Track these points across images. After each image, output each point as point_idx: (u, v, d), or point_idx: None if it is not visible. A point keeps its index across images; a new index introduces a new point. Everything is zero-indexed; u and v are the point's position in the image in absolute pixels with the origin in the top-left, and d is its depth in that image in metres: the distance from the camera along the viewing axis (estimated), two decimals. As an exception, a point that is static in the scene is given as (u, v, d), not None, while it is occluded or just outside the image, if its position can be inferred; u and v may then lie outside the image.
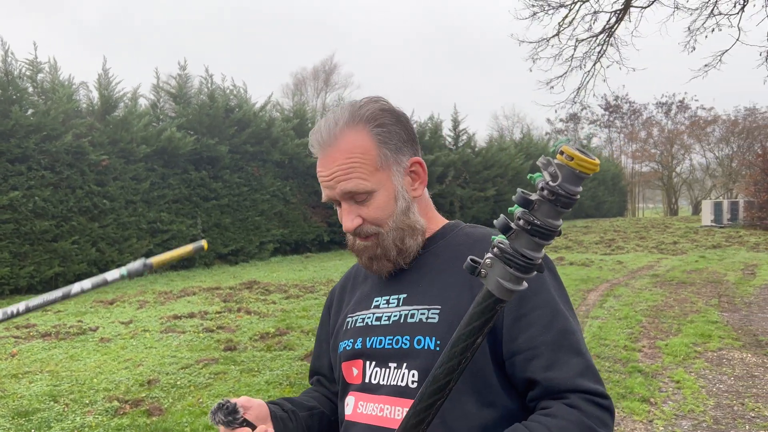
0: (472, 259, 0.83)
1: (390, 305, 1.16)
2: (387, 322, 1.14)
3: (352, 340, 1.18)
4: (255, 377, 5.15)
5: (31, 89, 10.55)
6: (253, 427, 1.06)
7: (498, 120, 44.89)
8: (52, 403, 4.58)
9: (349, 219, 1.13)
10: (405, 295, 1.15)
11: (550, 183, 0.74)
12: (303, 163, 15.41)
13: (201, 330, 6.85)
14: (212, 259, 13.31)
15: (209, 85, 13.66)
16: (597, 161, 0.74)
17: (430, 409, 0.86)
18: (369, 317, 1.17)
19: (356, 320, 1.20)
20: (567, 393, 1.00)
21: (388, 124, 1.13)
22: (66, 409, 4.45)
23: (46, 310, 8.46)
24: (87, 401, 4.60)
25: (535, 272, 0.80)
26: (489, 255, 0.81)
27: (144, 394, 4.73)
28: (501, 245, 0.79)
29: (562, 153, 0.74)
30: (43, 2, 53.71)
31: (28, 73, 10.55)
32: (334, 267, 12.68)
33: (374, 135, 1.12)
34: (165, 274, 12.03)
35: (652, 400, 4.45)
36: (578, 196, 0.75)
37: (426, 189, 1.20)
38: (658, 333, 6.54)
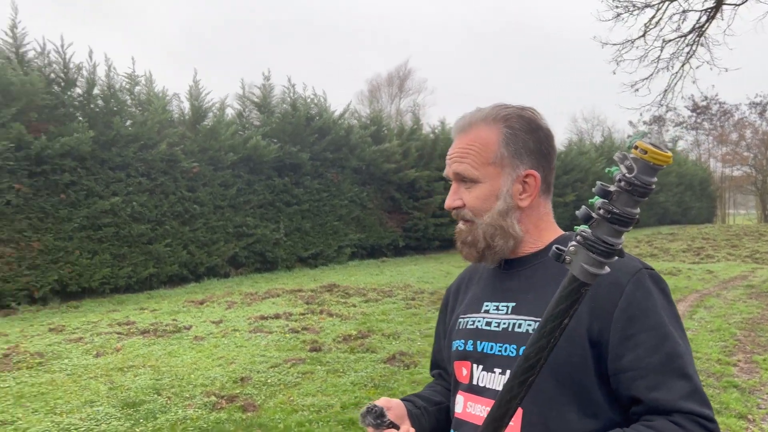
0: (557, 248, 0.90)
1: (499, 312, 1.22)
2: (497, 329, 1.20)
3: (463, 341, 1.26)
4: (340, 378, 5.31)
5: (129, 101, 11.30)
6: (397, 427, 1.17)
7: (577, 123, 43.70)
8: (155, 395, 4.91)
9: (451, 198, 1.23)
10: (513, 304, 1.21)
11: (627, 175, 0.81)
12: (380, 169, 15.63)
13: (287, 331, 7.12)
14: (293, 262, 13.73)
15: (291, 94, 14.14)
16: (669, 154, 0.81)
17: (522, 385, 0.93)
18: (479, 321, 1.24)
19: (467, 322, 1.27)
20: (672, 413, 1.03)
21: (517, 129, 1.20)
22: (168, 402, 4.77)
23: (143, 308, 9.05)
24: (187, 395, 4.91)
25: (616, 257, 0.85)
26: (573, 243, 0.87)
27: (238, 391, 4.99)
28: (584, 234, 0.86)
29: (636, 147, 0.81)
30: (125, 15, 57.00)
31: (126, 86, 11.31)
32: (410, 272, 12.78)
33: (501, 134, 1.19)
34: (249, 276, 12.54)
35: (750, 416, 4.26)
36: (654, 186, 0.82)
37: (547, 202, 1.25)
38: (755, 347, 6.22)
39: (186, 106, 12.37)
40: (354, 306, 8.80)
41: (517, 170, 1.19)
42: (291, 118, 13.68)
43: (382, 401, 1.22)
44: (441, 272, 12.50)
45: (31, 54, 10.16)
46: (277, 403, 4.69)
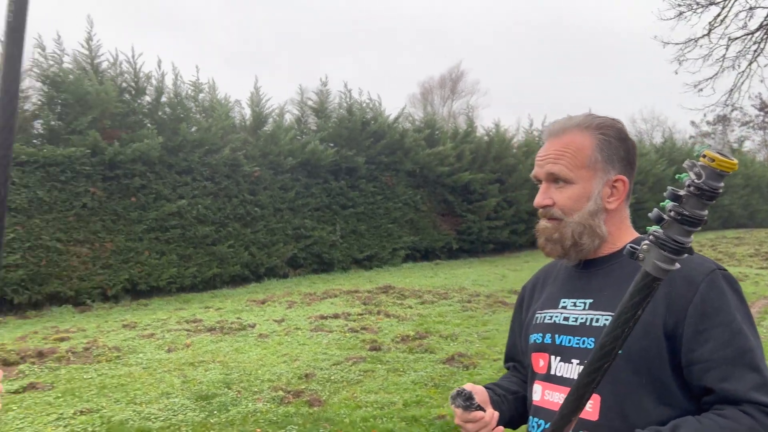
0: (631, 246, 0.99)
1: (576, 308, 1.32)
2: (574, 323, 1.30)
3: (541, 335, 1.36)
4: (401, 377, 5.44)
5: (194, 108, 11.80)
6: (483, 410, 1.29)
7: (636, 123, 42.47)
8: (226, 389, 5.17)
9: (542, 196, 1.32)
10: (591, 301, 1.31)
11: (696, 181, 0.90)
12: (433, 172, 15.71)
13: (346, 330, 7.31)
14: (349, 264, 13.98)
15: (347, 99, 14.41)
16: (735, 161, 0.90)
17: (598, 371, 1.02)
18: (557, 316, 1.35)
19: (545, 317, 1.38)
20: (742, 403, 1.11)
21: (611, 137, 1.30)
22: (239, 395, 5.01)
23: (208, 306, 9.44)
24: (255, 389, 5.14)
25: (686, 255, 0.94)
26: (646, 242, 0.96)
27: (303, 386, 5.19)
28: (656, 233, 0.95)
29: (704, 156, 0.90)
30: (182, 23, 58.92)
31: (191, 93, 11.81)
32: (464, 275, 12.80)
33: (595, 140, 1.29)
34: (307, 276, 12.85)
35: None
36: (721, 191, 0.90)
37: (626, 207, 1.35)
38: (830, 356, 5.99)
39: (247, 112, 12.83)
40: (410, 307, 8.92)
41: (608, 174, 1.29)
42: (347, 123, 13.95)
43: (468, 386, 1.33)
44: (496, 275, 12.46)
45: (104, 65, 10.77)
46: (341, 398, 4.86)
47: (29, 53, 10.92)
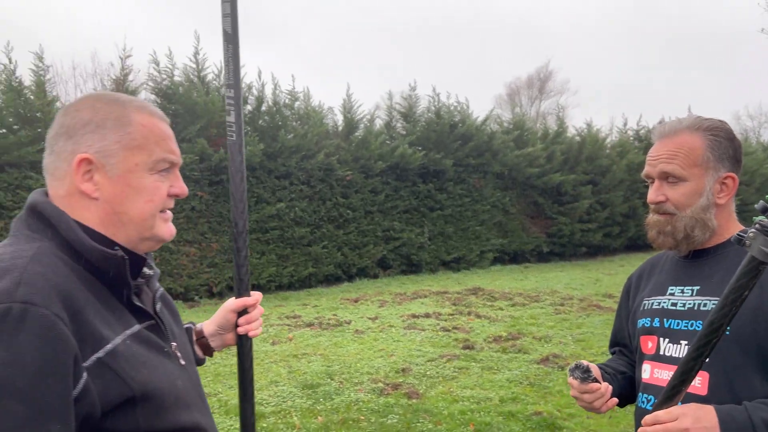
0: (739, 234, 1.11)
1: (684, 294, 1.46)
2: (682, 308, 1.44)
3: (649, 319, 1.50)
4: (495, 375, 5.56)
5: (290, 115, 12.40)
6: (599, 382, 1.45)
7: (740, 120, 39.84)
8: (329, 380, 5.50)
9: (655, 193, 1.45)
10: (698, 287, 1.44)
11: None
12: (522, 174, 15.58)
13: (438, 329, 7.50)
14: (437, 266, 14.15)
15: (436, 103, 14.60)
16: None
17: (707, 345, 1.16)
18: (665, 302, 1.49)
19: (653, 303, 1.52)
20: None
21: (721, 138, 1.44)
22: (341, 386, 5.32)
23: (305, 304, 9.92)
24: (356, 381, 5.44)
25: None
26: (752, 230, 1.10)
27: (401, 380, 5.43)
28: (762, 222, 1.08)
29: None
30: (268, 31, 61.02)
31: (288, 101, 12.42)
32: (556, 278, 12.63)
33: (706, 140, 1.43)
34: (396, 277, 13.15)
35: None
36: None
37: (733, 202, 1.47)
38: None
39: (339, 118, 13.31)
40: (501, 309, 8.97)
41: (718, 172, 1.43)
42: (435, 126, 14.14)
43: (584, 362, 1.49)
44: (589, 279, 12.21)
45: (210, 76, 11.56)
46: (438, 392, 5.05)
47: (145, 68, 11.89)
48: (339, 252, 12.31)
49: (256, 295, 1.42)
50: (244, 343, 1.40)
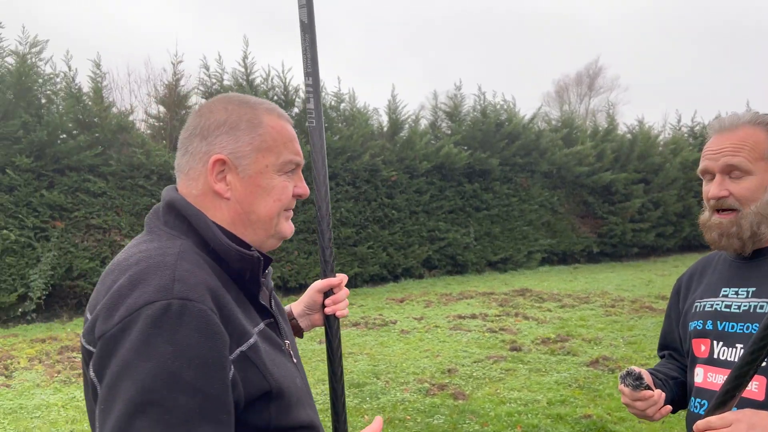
0: None
1: (739, 296, 1.40)
2: (737, 311, 1.38)
3: (701, 321, 1.45)
4: (543, 377, 5.47)
5: (336, 117, 12.52)
6: (652, 389, 1.41)
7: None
8: (375, 379, 5.53)
9: (718, 188, 1.38)
10: (754, 289, 1.38)
11: None
12: (571, 173, 15.27)
13: (485, 330, 7.43)
14: (483, 266, 14.02)
15: (481, 101, 14.48)
16: None
17: (763, 348, 1.10)
18: (718, 304, 1.43)
19: (705, 305, 1.46)
20: None
21: None
22: (387, 385, 5.34)
23: (351, 303, 9.99)
24: (402, 381, 5.45)
25: None
26: None
27: (447, 380, 5.41)
28: None
29: None
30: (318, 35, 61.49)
31: (333, 103, 12.54)
32: (607, 279, 12.32)
33: None
34: (442, 278, 13.09)
35: None
36: None
37: None
38: None
39: (384, 119, 13.34)
40: (549, 311, 8.82)
41: None
42: (481, 125, 14.02)
43: (634, 368, 1.46)
44: (641, 280, 11.87)
45: (258, 80, 11.78)
46: (484, 394, 5.01)
47: (196, 73, 12.17)
48: (384, 252, 12.35)
49: (341, 276, 1.44)
50: (331, 324, 1.41)
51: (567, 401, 4.76)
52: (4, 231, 8.40)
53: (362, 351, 6.56)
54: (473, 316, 8.34)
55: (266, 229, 1.15)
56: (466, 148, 13.86)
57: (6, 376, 5.82)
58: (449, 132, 14.23)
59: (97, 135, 9.47)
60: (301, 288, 11.42)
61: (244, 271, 1.07)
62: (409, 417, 4.51)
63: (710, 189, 1.40)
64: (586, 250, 15.91)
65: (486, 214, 14.09)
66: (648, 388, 1.40)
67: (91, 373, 0.92)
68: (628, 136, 16.76)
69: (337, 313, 1.40)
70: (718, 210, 1.40)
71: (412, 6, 65.82)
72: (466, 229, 13.79)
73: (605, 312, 8.53)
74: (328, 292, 1.41)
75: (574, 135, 16.05)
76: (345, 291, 1.44)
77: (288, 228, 1.20)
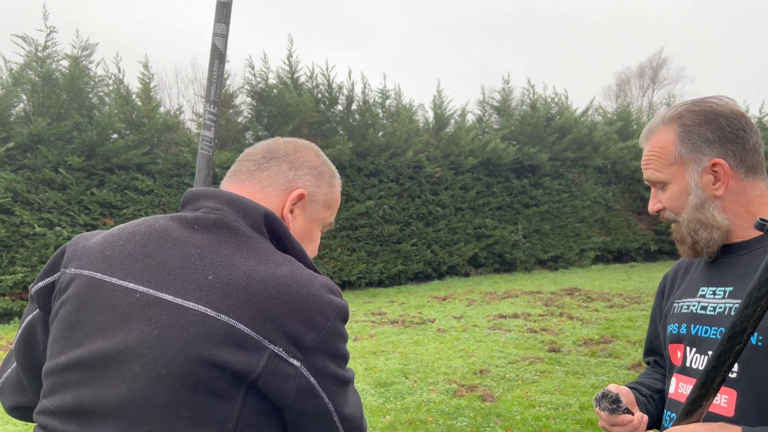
0: (761, 219, 0.94)
1: (716, 296, 1.23)
2: (712, 313, 1.22)
3: (677, 325, 1.28)
4: (580, 380, 5.21)
5: (381, 114, 12.44)
6: (631, 413, 1.24)
7: None
8: (403, 378, 5.41)
9: (652, 202, 1.32)
10: (731, 288, 1.20)
11: None
12: (627, 168, 14.66)
13: (525, 330, 7.18)
14: (532, 264, 13.64)
15: (531, 95, 14.09)
16: None
17: (728, 352, 0.96)
18: (694, 305, 1.26)
19: (682, 306, 1.30)
20: None
21: (690, 125, 1.23)
22: (414, 385, 5.21)
23: (393, 301, 9.90)
24: (431, 381, 5.31)
25: None
26: None
27: (477, 382, 5.23)
28: None
29: None
30: (356, 32, 61.49)
31: (378, 100, 12.47)
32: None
33: (674, 133, 1.24)
34: (488, 276, 12.82)
35: None
36: None
37: (758, 183, 1.23)
38: None
39: (430, 114, 13.17)
40: (596, 311, 8.46)
41: (701, 163, 1.22)
42: (530, 119, 13.64)
43: (612, 387, 1.29)
44: (700, 279, 11.24)
45: (302, 78, 11.85)
46: (514, 396, 4.81)
47: (241, 72, 12.37)
48: (428, 250, 12.19)
49: None
50: None
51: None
52: (57, 228, 8.77)
53: (395, 349, 6.45)
54: (515, 316, 8.09)
55: None
56: (514, 142, 13.52)
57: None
58: (497, 126, 13.92)
59: (145, 134, 9.75)
60: (343, 285, 11.42)
61: None
62: (431, 419, 4.37)
63: (649, 204, 1.33)
64: (643, 248, 15.25)
65: (535, 210, 13.70)
66: (628, 411, 1.23)
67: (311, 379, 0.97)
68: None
69: None
70: (666, 220, 1.31)
71: (467, 2, 65.02)
72: (515, 226, 13.46)
73: (656, 313, 8.10)
74: None
75: (631, 128, 15.40)
76: None
77: None
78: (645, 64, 38.59)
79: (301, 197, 1.15)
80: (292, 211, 1.15)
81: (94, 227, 9.18)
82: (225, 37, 1.33)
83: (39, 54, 9.08)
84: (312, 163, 1.18)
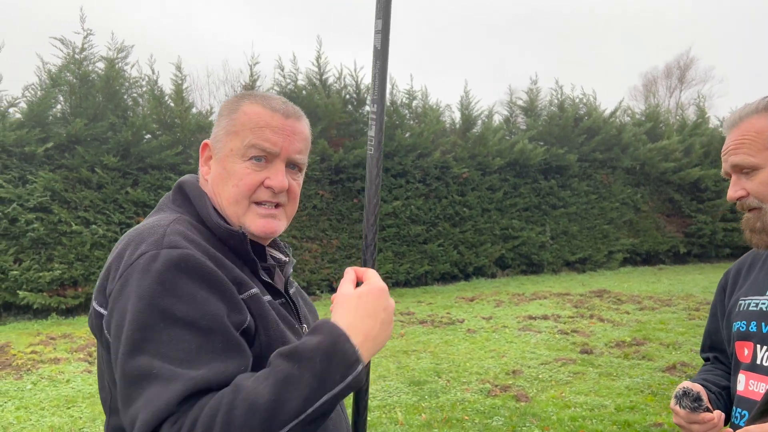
0: None
1: None
2: None
3: (744, 322, 1.29)
4: (614, 381, 5.19)
5: (408, 114, 12.47)
6: (710, 410, 1.25)
7: None
8: (436, 377, 5.44)
9: (733, 189, 1.28)
10: None
11: None
12: (656, 169, 14.48)
13: (556, 332, 7.16)
14: (560, 266, 13.55)
15: (559, 96, 13.99)
16: None
17: None
18: (764, 303, 1.26)
19: (749, 304, 1.30)
20: None
21: None
22: (448, 384, 5.24)
23: (420, 301, 9.93)
24: (463, 380, 5.33)
25: None
26: None
27: (510, 382, 5.24)
28: None
29: None
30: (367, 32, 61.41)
31: (405, 101, 12.50)
32: (693, 281, 11.58)
33: None
34: (515, 277, 12.77)
35: None
36: None
37: None
38: None
39: (456, 115, 13.16)
40: (627, 313, 8.39)
41: None
42: (558, 120, 13.55)
43: (687, 384, 1.29)
44: (732, 283, 11.06)
45: (331, 79, 11.93)
46: (548, 397, 4.81)
47: (271, 73, 12.54)
48: (455, 250, 12.19)
49: None
50: None
51: (637, 408, 4.48)
52: (93, 226, 8.97)
53: (426, 349, 6.48)
54: (545, 317, 8.06)
55: (231, 216, 1.12)
56: (542, 143, 13.45)
57: (90, 363, 6.19)
58: (524, 127, 13.86)
59: (177, 135, 9.92)
60: (371, 285, 11.47)
61: (233, 246, 1.08)
62: (467, 417, 4.40)
63: (728, 191, 1.30)
64: (672, 251, 15.05)
65: (563, 212, 13.60)
66: (707, 409, 1.24)
67: (105, 333, 0.98)
68: (721, 129, 15.66)
69: None
70: (750, 209, 1.28)
71: (494, 2, 64.68)
72: (542, 227, 13.38)
73: (688, 316, 8.01)
74: None
75: (660, 129, 15.21)
76: None
77: (256, 224, 1.11)
78: (672, 64, 38.06)
79: (203, 148, 1.16)
80: (207, 164, 1.15)
81: (129, 226, 9.37)
82: (382, 33, 1.26)
83: (76, 56, 9.30)
84: (218, 113, 1.17)
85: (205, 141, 1.16)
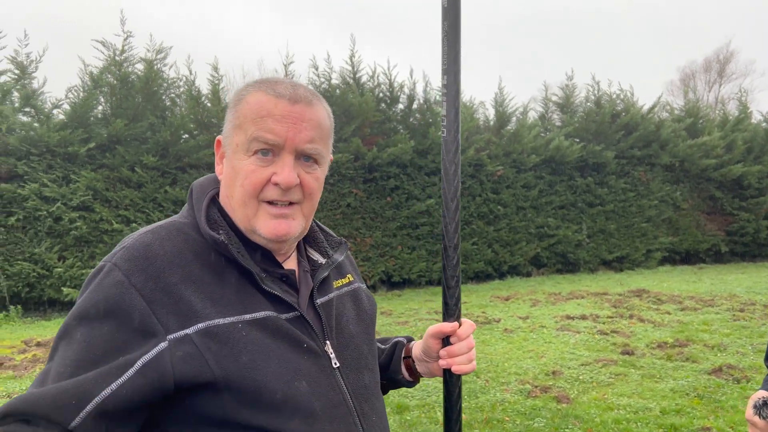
0: None
1: None
2: None
3: None
4: (657, 383, 5.08)
5: (441, 112, 12.40)
6: None
7: None
8: (474, 377, 5.40)
9: None
10: None
11: None
12: (696, 166, 14.12)
13: (595, 332, 7.03)
14: (596, 265, 13.33)
15: (595, 92, 13.75)
16: None
17: None
18: None
19: None
20: None
21: None
22: (487, 384, 5.19)
23: (464, 301, 9.86)
24: (502, 381, 5.28)
25: None
26: None
27: (550, 383, 5.16)
28: None
29: None
30: (396, 30, 61.04)
31: (439, 98, 12.43)
32: (736, 281, 11.25)
33: None
34: (551, 276, 12.60)
35: None
36: None
37: None
38: None
39: (491, 112, 13.05)
40: (668, 313, 8.19)
41: None
42: (594, 116, 13.32)
43: (764, 393, 1.24)
44: (778, 283, 10.72)
45: (364, 78, 11.95)
46: (590, 398, 4.73)
47: (306, 72, 12.63)
48: (489, 249, 12.09)
49: (463, 326, 1.17)
50: (447, 378, 1.15)
51: (683, 411, 4.37)
52: (133, 224, 9.16)
53: (463, 348, 6.44)
54: (583, 317, 7.93)
55: (242, 219, 1.02)
56: (578, 140, 13.25)
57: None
58: (559, 124, 13.66)
59: (214, 134, 10.06)
60: (404, 283, 11.48)
61: (221, 253, 0.98)
62: (507, 418, 4.35)
63: None
64: (713, 250, 14.66)
65: (600, 209, 13.38)
66: None
67: None
68: (764, 125, 15.21)
69: (453, 369, 1.14)
70: None
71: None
72: (579, 225, 13.18)
73: (733, 316, 7.78)
74: (445, 339, 1.17)
75: (700, 125, 14.83)
76: (466, 343, 1.16)
77: (266, 226, 1.00)
78: (711, 58, 37.05)
79: (217, 146, 1.07)
80: (221, 162, 1.06)
81: (167, 224, 9.55)
82: None
83: (117, 58, 9.51)
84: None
85: (218, 137, 1.06)
